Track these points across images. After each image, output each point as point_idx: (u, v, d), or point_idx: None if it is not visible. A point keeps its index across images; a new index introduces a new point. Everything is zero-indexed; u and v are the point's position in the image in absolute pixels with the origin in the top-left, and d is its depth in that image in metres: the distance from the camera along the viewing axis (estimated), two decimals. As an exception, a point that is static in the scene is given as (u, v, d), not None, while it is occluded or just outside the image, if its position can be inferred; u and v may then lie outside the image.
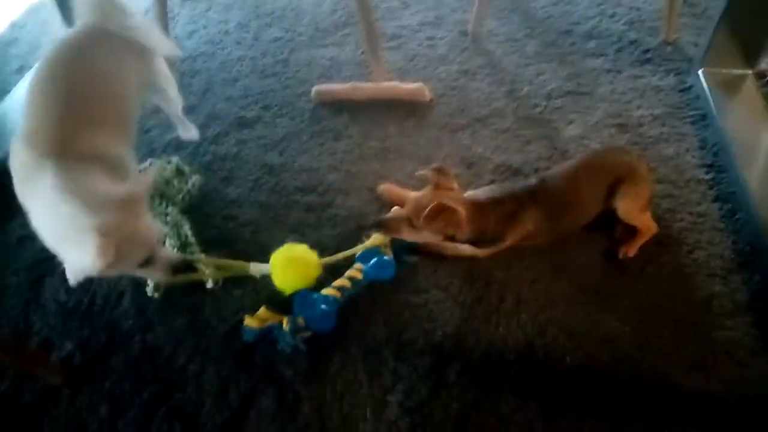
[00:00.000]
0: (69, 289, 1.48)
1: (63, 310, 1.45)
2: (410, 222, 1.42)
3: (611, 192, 1.49)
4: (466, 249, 1.50)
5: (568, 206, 1.50)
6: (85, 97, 1.25)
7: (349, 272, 1.44)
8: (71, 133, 1.19)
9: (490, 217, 1.46)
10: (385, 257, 1.47)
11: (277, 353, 1.33)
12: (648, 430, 1.21)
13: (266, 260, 1.44)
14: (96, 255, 1.05)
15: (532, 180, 1.52)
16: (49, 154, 1.15)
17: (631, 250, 1.50)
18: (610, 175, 1.49)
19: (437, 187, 1.45)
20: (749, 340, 1.33)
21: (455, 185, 1.48)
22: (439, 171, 1.46)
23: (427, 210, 1.37)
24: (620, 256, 1.49)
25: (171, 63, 1.39)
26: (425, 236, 1.46)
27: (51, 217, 1.12)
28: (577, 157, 1.60)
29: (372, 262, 1.46)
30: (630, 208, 1.49)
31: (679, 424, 1.21)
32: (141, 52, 1.41)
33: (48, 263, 1.54)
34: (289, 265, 1.41)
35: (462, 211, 1.40)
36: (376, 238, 1.50)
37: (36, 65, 1.30)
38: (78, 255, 1.09)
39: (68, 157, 1.15)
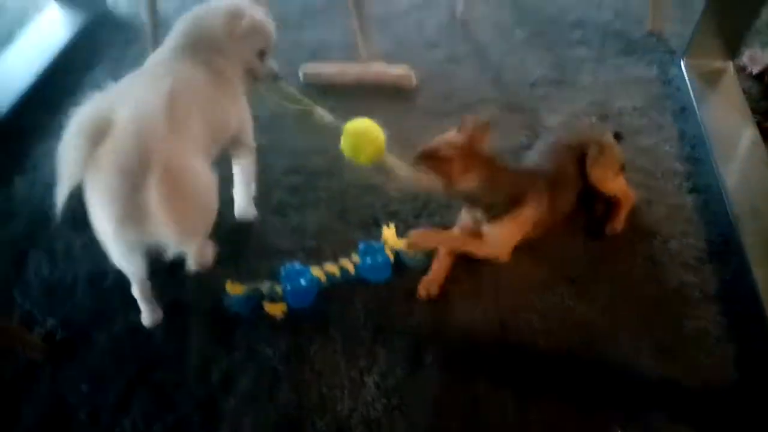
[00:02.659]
0: (52, 265, 1.49)
1: (46, 286, 1.46)
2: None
3: (583, 166, 1.51)
4: (488, 247, 1.47)
5: (563, 188, 1.51)
6: None
7: (343, 261, 1.46)
8: None
9: (501, 183, 1.41)
10: (378, 260, 1.46)
11: (259, 332, 1.36)
12: (616, 413, 1.25)
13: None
14: None
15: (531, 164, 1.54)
16: None
17: (619, 224, 1.54)
18: (579, 151, 1.52)
19: (469, 138, 1.37)
20: (715, 328, 1.38)
21: (486, 142, 1.41)
22: (478, 124, 1.40)
23: (424, 148, 1.36)
24: (608, 233, 1.53)
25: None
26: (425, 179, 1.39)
27: None
28: (545, 138, 1.62)
29: (367, 262, 1.45)
30: (603, 175, 1.52)
31: (645, 408, 1.25)
32: None
33: (32, 238, 1.54)
34: (359, 135, 1.43)
35: (457, 162, 1.34)
36: (385, 233, 1.50)
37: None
38: None
39: None
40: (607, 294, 1.44)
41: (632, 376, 1.31)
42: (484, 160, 1.38)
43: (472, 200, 1.45)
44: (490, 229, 1.45)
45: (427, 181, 1.38)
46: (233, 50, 1.40)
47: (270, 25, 1.47)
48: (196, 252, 1.29)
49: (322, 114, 1.58)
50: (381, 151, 1.43)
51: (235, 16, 1.39)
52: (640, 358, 1.33)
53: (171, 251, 1.19)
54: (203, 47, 1.37)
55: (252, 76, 1.49)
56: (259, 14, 1.44)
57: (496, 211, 1.43)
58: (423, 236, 1.48)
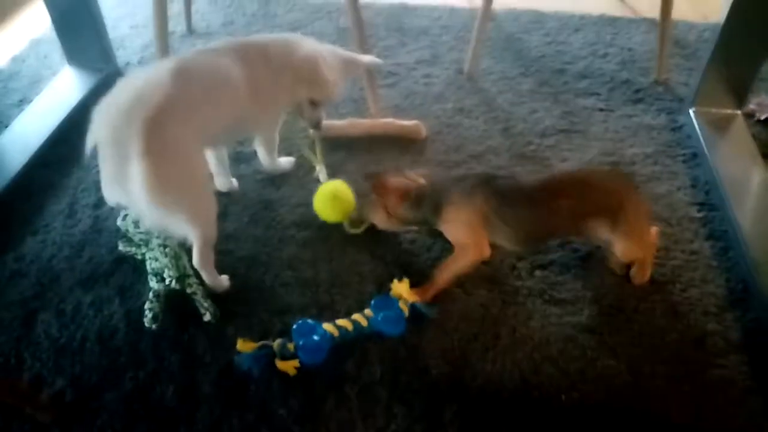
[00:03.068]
0: (62, 325, 1.47)
1: (55, 347, 1.43)
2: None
3: (591, 219, 1.41)
4: (455, 257, 1.48)
5: (539, 212, 1.42)
6: None
7: (355, 315, 1.43)
8: None
9: (421, 198, 1.49)
10: (392, 313, 1.43)
11: (271, 391, 1.32)
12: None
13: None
14: None
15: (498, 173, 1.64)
16: None
17: (646, 276, 1.52)
18: (598, 201, 1.41)
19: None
20: (742, 378, 1.34)
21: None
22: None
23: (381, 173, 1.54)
24: (637, 284, 1.53)
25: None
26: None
27: None
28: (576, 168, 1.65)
29: (381, 316, 1.43)
30: (631, 247, 1.45)
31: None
32: None
33: (41, 298, 1.53)
34: (330, 198, 1.67)
35: (394, 193, 1.50)
36: (397, 287, 1.48)
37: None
38: None
39: None
40: (628, 344, 1.41)
41: (660, 430, 1.27)
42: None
43: (413, 223, 1.56)
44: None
45: (373, 214, 1.58)
46: (282, 78, 1.51)
47: (332, 85, 1.55)
48: (209, 277, 1.47)
49: (320, 171, 1.80)
50: (340, 219, 1.67)
51: (300, 58, 1.51)
52: (667, 410, 1.29)
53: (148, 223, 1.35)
54: (259, 58, 1.48)
55: (298, 113, 1.63)
56: (330, 70, 1.53)
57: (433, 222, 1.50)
58: (422, 294, 1.46)
